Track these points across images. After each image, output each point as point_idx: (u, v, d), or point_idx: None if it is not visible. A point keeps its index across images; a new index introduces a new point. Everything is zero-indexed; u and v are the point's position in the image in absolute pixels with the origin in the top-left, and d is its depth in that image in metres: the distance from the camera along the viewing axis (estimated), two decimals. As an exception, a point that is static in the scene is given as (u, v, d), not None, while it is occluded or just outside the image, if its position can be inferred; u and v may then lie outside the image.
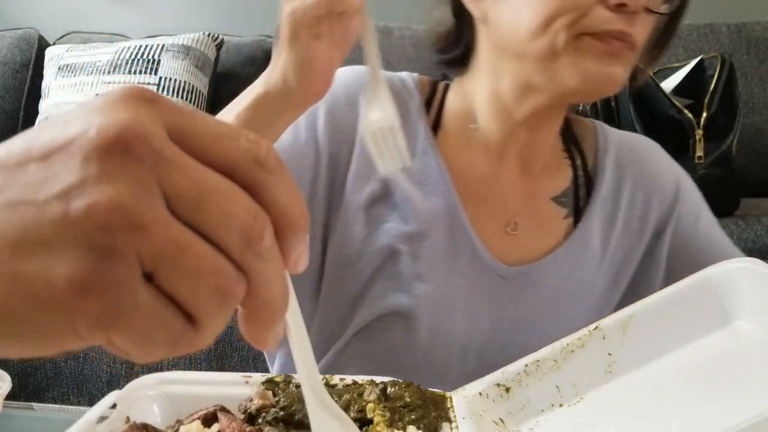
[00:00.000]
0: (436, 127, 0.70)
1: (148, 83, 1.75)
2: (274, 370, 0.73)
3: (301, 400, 0.43)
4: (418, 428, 0.42)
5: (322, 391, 0.29)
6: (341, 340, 0.66)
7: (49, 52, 1.92)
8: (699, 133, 1.46)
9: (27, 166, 0.20)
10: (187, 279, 0.20)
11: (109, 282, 0.19)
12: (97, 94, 0.21)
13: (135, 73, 1.77)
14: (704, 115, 1.46)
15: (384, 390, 0.46)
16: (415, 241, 0.65)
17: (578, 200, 0.71)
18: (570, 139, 0.73)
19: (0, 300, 0.19)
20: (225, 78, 1.98)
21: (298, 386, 0.45)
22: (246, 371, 0.48)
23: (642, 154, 0.74)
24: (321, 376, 0.45)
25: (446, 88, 0.73)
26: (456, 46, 0.70)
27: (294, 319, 0.26)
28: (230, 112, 0.56)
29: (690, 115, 1.46)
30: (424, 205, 0.66)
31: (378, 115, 0.53)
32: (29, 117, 1.94)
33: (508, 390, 0.47)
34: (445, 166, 0.68)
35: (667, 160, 0.75)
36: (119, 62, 1.79)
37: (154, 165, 0.20)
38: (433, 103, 0.72)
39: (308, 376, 0.28)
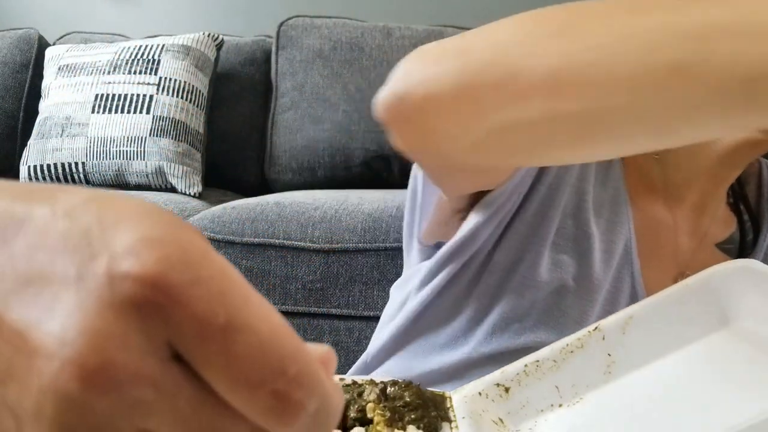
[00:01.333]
0: None
1: (148, 83, 1.76)
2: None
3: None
4: (418, 428, 0.42)
5: None
6: (471, 355, 0.60)
7: (49, 52, 1.92)
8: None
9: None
10: None
11: None
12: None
13: (135, 73, 1.77)
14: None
15: (384, 390, 0.46)
16: (586, 282, 0.59)
17: (744, 247, 0.65)
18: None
19: None
20: (225, 78, 1.98)
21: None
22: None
23: None
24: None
25: None
26: None
27: None
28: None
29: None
30: (604, 244, 0.60)
31: None
32: (29, 117, 1.94)
33: (507, 390, 0.47)
34: (630, 202, 0.61)
35: None
36: (119, 62, 1.79)
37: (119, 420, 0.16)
38: None
39: None
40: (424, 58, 0.43)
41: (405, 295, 0.67)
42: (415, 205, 0.67)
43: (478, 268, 0.61)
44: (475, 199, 0.60)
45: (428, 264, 0.64)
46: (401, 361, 0.64)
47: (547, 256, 0.59)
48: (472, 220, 0.60)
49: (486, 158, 0.47)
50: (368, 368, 0.67)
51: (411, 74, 0.43)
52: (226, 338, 0.16)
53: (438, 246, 0.64)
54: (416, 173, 0.67)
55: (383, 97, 0.44)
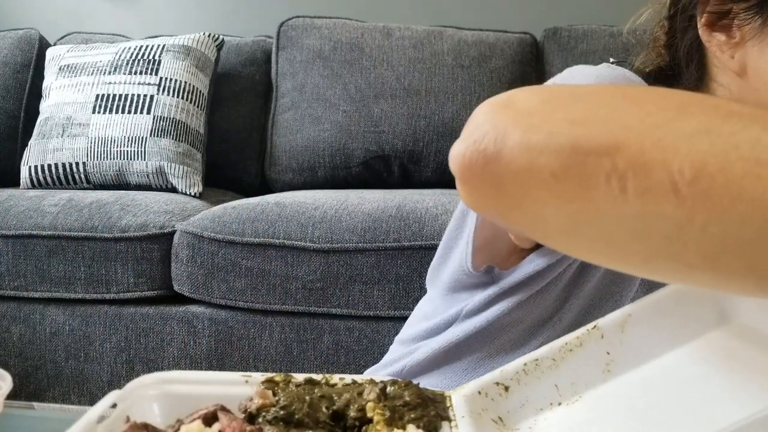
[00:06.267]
0: None
1: (149, 83, 1.76)
2: None
3: (301, 400, 0.43)
4: (418, 427, 0.42)
5: None
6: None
7: (49, 53, 1.93)
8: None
9: None
10: None
11: None
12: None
13: (135, 73, 1.77)
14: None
15: (383, 389, 0.46)
16: None
17: None
18: None
19: None
20: (225, 78, 1.98)
21: (298, 385, 0.45)
22: (246, 371, 0.48)
23: None
24: (321, 376, 0.45)
25: None
26: None
27: None
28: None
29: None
30: None
31: None
32: (30, 117, 1.94)
33: (507, 389, 0.47)
34: None
35: None
36: (120, 62, 1.79)
37: None
38: None
39: None
40: (519, 119, 0.36)
41: (455, 312, 0.65)
42: (464, 224, 0.63)
43: (555, 301, 0.61)
44: None
45: (489, 292, 0.62)
46: (452, 375, 0.64)
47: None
48: (536, 262, 0.59)
49: (562, 245, 0.39)
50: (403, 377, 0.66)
51: (506, 136, 0.35)
52: None
53: (488, 270, 0.62)
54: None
55: (462, 151, 0.37)
